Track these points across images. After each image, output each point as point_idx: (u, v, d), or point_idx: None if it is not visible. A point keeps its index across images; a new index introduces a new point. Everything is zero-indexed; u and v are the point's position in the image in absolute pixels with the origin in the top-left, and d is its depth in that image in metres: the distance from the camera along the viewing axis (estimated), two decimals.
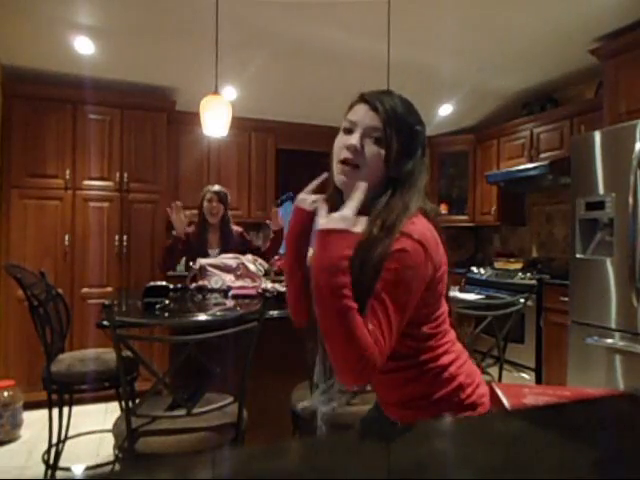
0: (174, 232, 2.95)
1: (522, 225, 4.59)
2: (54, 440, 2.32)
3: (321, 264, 0.94)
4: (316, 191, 1.14)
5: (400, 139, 1.03)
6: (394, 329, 0.95)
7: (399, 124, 1.04)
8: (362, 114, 1.05)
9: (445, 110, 4.54)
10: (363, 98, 1.06)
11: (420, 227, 1.00)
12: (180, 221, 2.88)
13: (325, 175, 1.15)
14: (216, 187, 3.08)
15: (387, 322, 0.94)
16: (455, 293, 2.43)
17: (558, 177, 3.67)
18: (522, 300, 2.09)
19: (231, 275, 2.52)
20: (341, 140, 1.07)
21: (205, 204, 3.00)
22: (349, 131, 1.06)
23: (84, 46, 3.20)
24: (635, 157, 2.56)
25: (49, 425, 2.29)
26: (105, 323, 1.50)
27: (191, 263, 2.78)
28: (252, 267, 2.56)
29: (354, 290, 0.93)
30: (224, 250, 2.95)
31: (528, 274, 3.75)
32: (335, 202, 1.07)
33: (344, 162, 1.05)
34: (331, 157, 1.10)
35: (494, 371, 2.12)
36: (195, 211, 3.09)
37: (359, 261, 0.97)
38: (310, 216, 1.11)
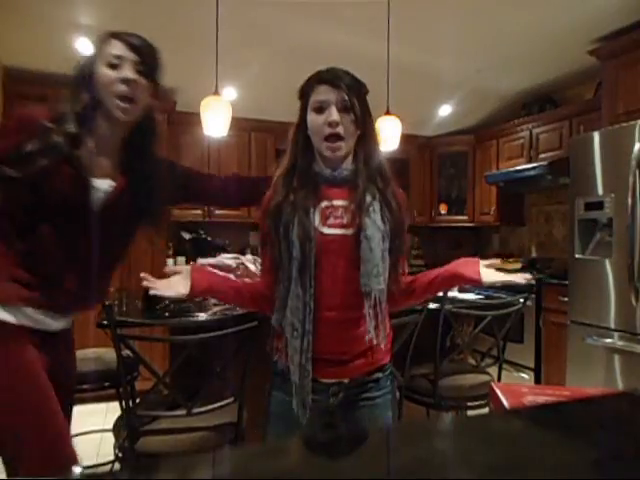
0: None
1: (521, 225, 4.60)
2: None
3: None
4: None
5: (361, 103, 1.22)
6: None
7: (357, 92, 1.22)
8: (329, 92, 1.20)
9: (445, 110, 4.54)
10: (323, 79, 1.21)
11: None
12: None
13: None
14: None
15: None
16: (454, 293, 2.43)
17: (557, 177, 3.67)
18: (521, 300, 2.10)
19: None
20: (318, 119, 1.20)
21: None
22: (320, 110, 1.20)
23: (85, 47, 3.20)
24: (634, 157, 2.56)
25: None
26: (105, 323, 1.50)
27: (191, 262, 2.78)
28: (252, 267, 2.56)
29: None
30: None
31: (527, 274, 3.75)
32: (294, 174, 1.23)
33: (330, 137, 1.19)
34: (295, 135, 1.26)
35: (493, 371, 2.13)
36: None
37: None
38: None
